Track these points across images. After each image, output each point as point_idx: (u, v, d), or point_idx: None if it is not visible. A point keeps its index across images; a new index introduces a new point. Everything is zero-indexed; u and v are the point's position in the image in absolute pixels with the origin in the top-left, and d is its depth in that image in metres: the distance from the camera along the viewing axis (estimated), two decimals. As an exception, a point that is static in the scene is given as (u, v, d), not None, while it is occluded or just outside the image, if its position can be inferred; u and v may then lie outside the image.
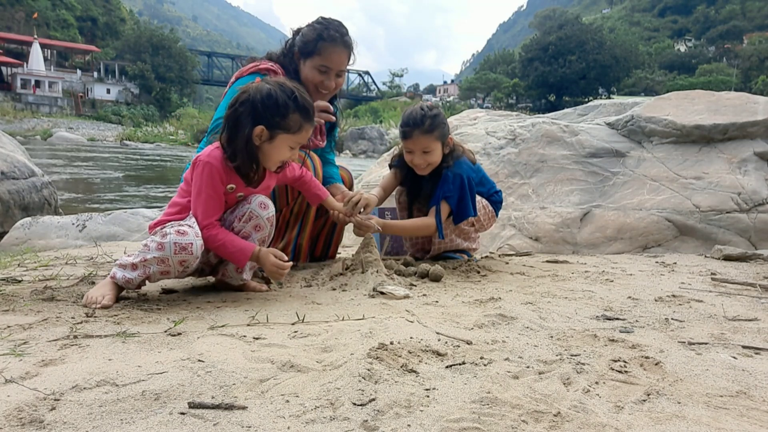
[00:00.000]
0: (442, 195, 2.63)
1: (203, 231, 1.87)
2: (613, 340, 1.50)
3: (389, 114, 49.02)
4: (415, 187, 2.80)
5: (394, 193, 2.93)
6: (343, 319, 1.67)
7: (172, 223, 1.88)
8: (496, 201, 2.86)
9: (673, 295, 2.11)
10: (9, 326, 1.51)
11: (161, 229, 1.86)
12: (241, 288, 2.10)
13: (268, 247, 2.08)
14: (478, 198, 2.76)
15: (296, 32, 2.56)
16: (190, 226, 1.85)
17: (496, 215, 2.87)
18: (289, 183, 2.31)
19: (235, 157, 1.90)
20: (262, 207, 2.00)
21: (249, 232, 2.01)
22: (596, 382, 1.21)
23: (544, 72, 58.97)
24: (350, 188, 2.85)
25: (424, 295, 2.07)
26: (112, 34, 77.24)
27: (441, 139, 2.63)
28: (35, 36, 56.98)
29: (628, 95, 48.43)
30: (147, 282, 1.92)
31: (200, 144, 2.58)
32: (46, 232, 3.77)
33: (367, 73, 75.17)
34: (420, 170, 2.69)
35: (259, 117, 1.90)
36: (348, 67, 2.61)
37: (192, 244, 1.80)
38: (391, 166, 2.88)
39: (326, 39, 2.45)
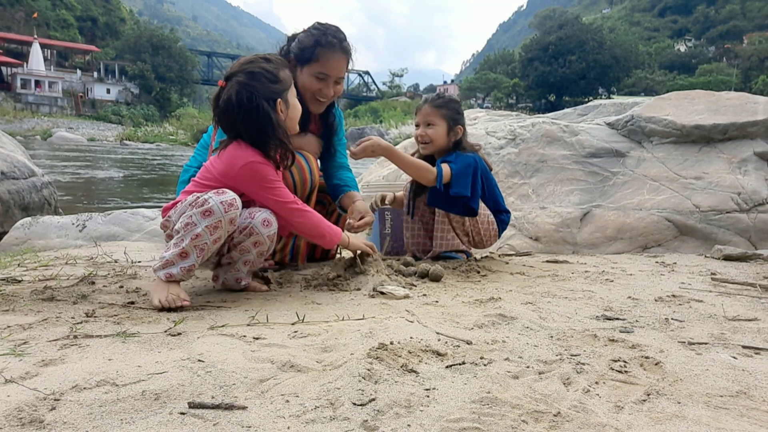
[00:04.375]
0: (442, 160, 2.63)
1: (294, 204, 1.97)
2: (613, 340, 1.50)
3: (389, 114, 49.04)
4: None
5: (405, 184, 2.94)
6: (343, 319, 1.67)
7: (193, 195, 1.88)
8: (502, 221, 2.81)
9: (673, 295, 2.11)
10: (9, 326, 1.51)
11: (185, 204, 1.85)
12: (242, 288, 2.09)
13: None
14: (486, 212, 2.73)
15: (291, 38, 2.49)
16: (218, 189, 1.87)
17: (499, 236, 2.83)
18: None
19: (276, 150, 1.93)
20: (265, 224, 1.96)
21: (248, 248, 1.98)
22: (596, 382, 1.20)
23: (544, 72, 58.97)
24: None
25: (424, 295, 2.07)
26: (112, 34, 77.20)
27: (447, 120, 2.68)
28: (35, 36, 57.00)
29: (628, 95, 48.42)
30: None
31: (197, 146, 2.56)
32: (46, 232, 3.77)
33: (367, 73, 75.21)
34: (422, 147, 2.72)
35: (270, 96, 1.93)
36: (348, 67, 2.58)
37: (235, 198, 1.85)
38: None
39: (324, 45, 2.38)
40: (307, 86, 2.43)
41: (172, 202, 1.97)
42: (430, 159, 2.75)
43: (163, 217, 1.97)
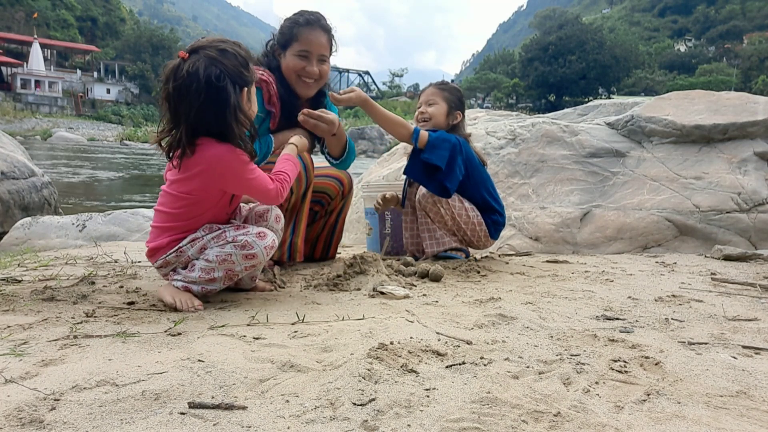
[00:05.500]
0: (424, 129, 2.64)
1: (274, 192, 1.88)
2: (613, 340, 1.50)
3: (389, 114, 48.93)
4: None
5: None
6: (343, 319, 1.67)
7: (218, 229, 1.84)
8: (495, 221, 2.75)
9: (673, 295, 2.11)
10: (9, 326, 1.51)
11: (209, 238, 1.83)
12: (252, 287, 2.09)
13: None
14: (473, 213, 2.69)
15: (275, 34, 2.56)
16: (256, 230, 1.85)
17: (494, 237, 2.77)
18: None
19: (242, 138, 1.78)
20: (277, 220, 2.02)
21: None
22: (596, 382, 1.20)
23: (544, 72, 59.00)
24: (350, 190, 2.85)
25: (424, 295, 2.07)
26: (112, 34, 77.26)
27: (449, 102, 2.74)
28: (35, 36, 57.02)
29: (628, 95, 48.43)
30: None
31: None
32: (46, 232, 3.77)
33: (367, 73, 75.05)
34: (421, 123, 2.75)
35: (239, 81, 1.76)
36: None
37: (274, 239, 1.88)
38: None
39: (302, 24, 2.44)
40: (291, 67, 2.45)
41: (160, 242, 1.85)
42: None
43: (152, 260, 1.89)
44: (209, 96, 1.71)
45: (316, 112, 2.38)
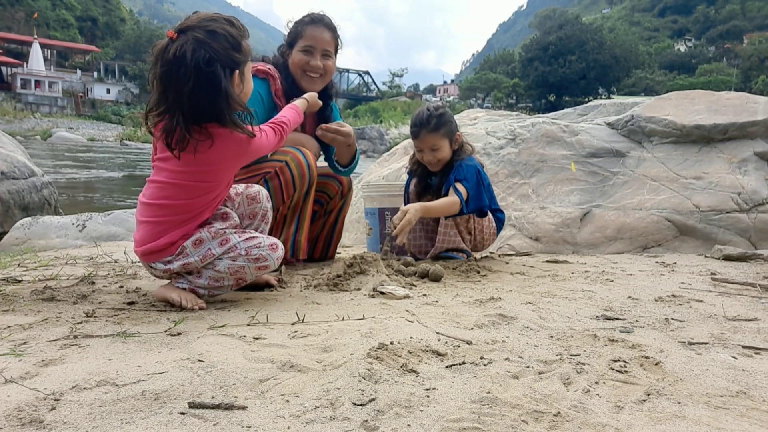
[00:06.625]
0: (455, 179, 2.67)
1: (276, 138, 1.92)
2: (613, 340, 1.50)
3: (389, 114, 49.03)
4: (427, 178, 2.88)
5: (412, 186, 2.95)
6: (343, 319, 1.67)
7: (237, 240, 1.82)
8: (499, 219, 2.89)
9: (673, 295, 2.11)
10: (9, 326, 1.51)
11: (241, 252, 1.80)
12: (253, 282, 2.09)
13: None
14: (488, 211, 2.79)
15: None
16: (268, 241, 1.86)
17: (496, 235, 2.90)
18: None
19: (235, 122, 1.72)
20: (272, 248, 1.88)
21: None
22: (596, 382, 1.20)
23: (544, 72, 58.97)
24: (349, 189, 2.87)
25: (424, 295, 2.07)
26: (112, 34, 77.33)
27: (448, 135, 2.73)
28: (35, 36, 57.05)
29: (628, 95, 48.38)
30: None
31: None
32: (46, 232, 3.77)
33: (367, 73, 75.03)
34: (431, 167, 2.79)
35: (229, 64, 1.68)
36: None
37: (283, 249, 1.92)
38: (409, 173, 2.98)
39: (306, 22, 2.57)
40: (297, 62, 2.55)
41: (170, 239, 1.77)
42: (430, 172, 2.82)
43: (151, 258, 1.80)
44: (198, 81, 1.63)
45: (333, 125, 2.52)
